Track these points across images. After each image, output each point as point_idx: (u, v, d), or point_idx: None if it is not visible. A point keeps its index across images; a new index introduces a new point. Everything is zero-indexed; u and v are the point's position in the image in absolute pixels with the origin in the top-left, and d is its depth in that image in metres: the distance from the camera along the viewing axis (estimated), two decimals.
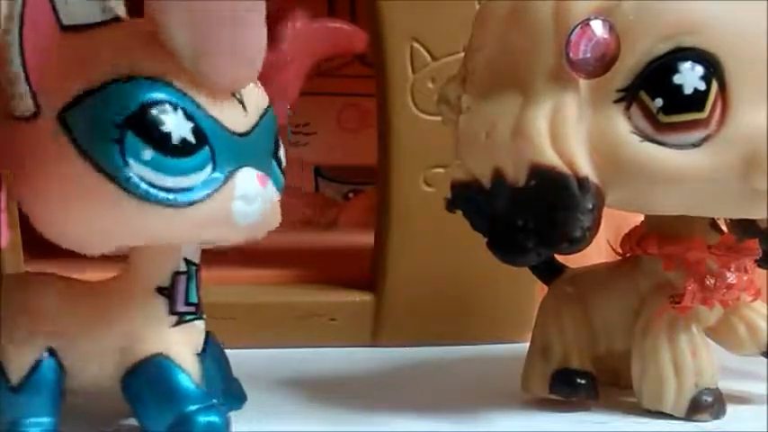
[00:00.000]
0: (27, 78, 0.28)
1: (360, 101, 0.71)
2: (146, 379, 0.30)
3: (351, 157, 0.71)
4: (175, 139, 0.27)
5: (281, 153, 0.32)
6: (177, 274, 0.31)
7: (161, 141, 0.27)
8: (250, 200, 0.29)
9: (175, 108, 0.28)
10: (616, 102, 0.30)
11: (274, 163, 0.32)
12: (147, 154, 0.27)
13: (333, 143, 0.72)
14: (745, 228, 0.35)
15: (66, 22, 0.28)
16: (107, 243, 0.29)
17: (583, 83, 0.30)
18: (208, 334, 0.33)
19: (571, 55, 0.29)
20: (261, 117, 0.31)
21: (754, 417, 0.34)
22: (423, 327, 0.46)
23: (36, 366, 0.30)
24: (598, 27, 0.29)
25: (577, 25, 0.29)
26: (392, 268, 0.46)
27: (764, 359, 0.36)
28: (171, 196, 0.28)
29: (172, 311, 0.31)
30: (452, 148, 0.32)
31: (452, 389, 0.39)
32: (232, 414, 0.31)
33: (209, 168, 0.28)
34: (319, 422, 0.34)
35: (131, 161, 0.27)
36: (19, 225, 0.42)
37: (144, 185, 0.27)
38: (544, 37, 0.30)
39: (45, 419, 0.30)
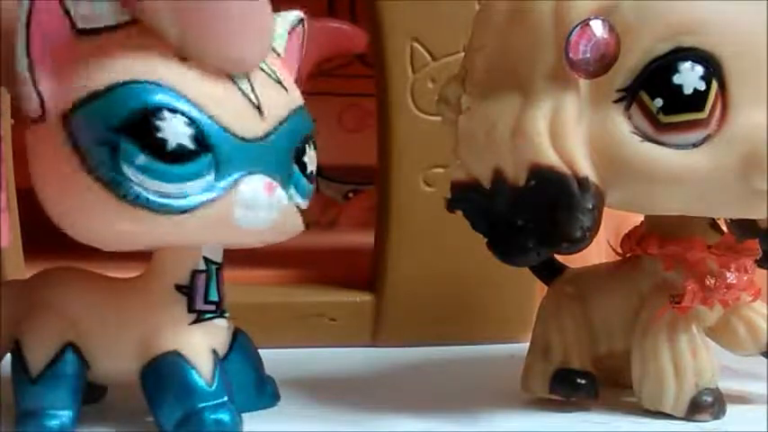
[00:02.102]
0: (33, 81, 0.28)
1: (360, 101, 0.71)
2: (159, 375, 0.30)
3: (351, 157, 0.71)
4: (171, 145, 0.27)
5: (308, 158, 0.32)
6: (196, 272, 0.31)
7: (156, 147, 0.27)
8: (253, 207, 0.29)
9: (174, 113, 0.27)
10: (616, 102, 0.30)
11: (297, 168, 0.31)
12: (141, 159, 0.27)
13: (333, 143, 0.72)
14: (745, 228, 0.35)
15: (81, 25, 0.28)
16: (111, 244, 0.29)
17: (583, 83, 0.30)
18: (237, 332, 0.33)
19: (571, 55, 0.29)
20: (281, 122, 0.30)
21: (754, 417, 0.34)
22: (423, 327, 0.47)
23: (56, 359, 0.31)
24: (598, 27, 0.29)
25: (577, 25, 0.29)
26: (392, 268, 0.46)
27: (764, 359, 0.36)
28: (165, 202, 0.28)
29: (191, 309, 0.31)
30: (452, 148, 0.32)
31: (452, 389, 0.39)
32: None
33: (210, 175, 0.28)
34: (319, 422, 0.34)
35: (125, 166, 0.27)
36: (19, 225, 0.42)
37: (134, 190, 0.27)
38: (544, 37, 0.30)
39: (64, 412, 0.31)
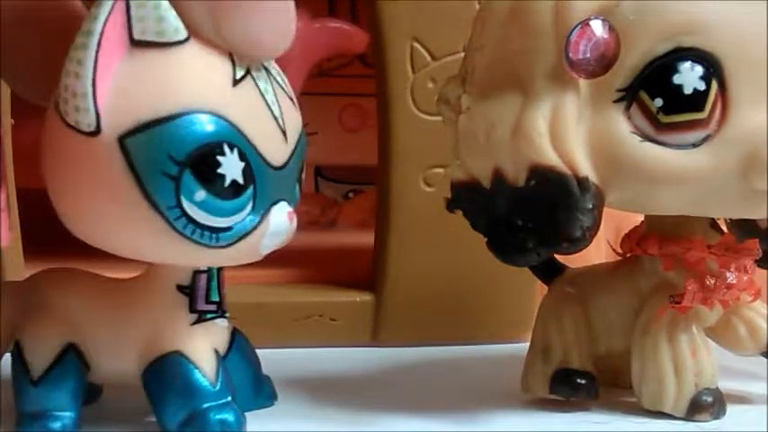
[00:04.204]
0: (94, 97, 0.26)
1: (360, 101, 0.71)
2: (162, 375, 0.30)
3: (351, 157, 0.71)
4: (228, 181, 0.27)
5: (303, 175, 0.32)
6: (198, 272, 0.31)
7: (215, 183, 0.27)
8: (277, 235, 0.30)
9: (232, 148, 0.27)
10: (616, 102, 0.30)
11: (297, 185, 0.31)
12: (200, 195, 0.27)
13: (333, 143, 0.72)
14: (745, 228, 0.35)
15: (137, 36, 0.27)
16: (137, 256, 0.30)
17: (583, 83, 0.30)
18: (235, 332, 0.33)
19: (571, 55, 0.29)
20: (297, 144, 0.30)
21: (754, 417, 0.34)
22: (423, 327, 0.46)
23: (57, 361, 0.31)
24: (598, 27, 0.29)
25: (577, 25, 0.29)
26: (392, 268, 0.46)
27: (764, 359, 0.36)
28: (213, 238, 0.28)
29: (192, 309, 0.31)
30: (452, 148, 0.32)
31: (452, 389, 0.39)
32: None
33: (248, 208, 0.28)
34: (319, 422, 0.34)
35: (183, 200, 0.27)
36: (19, 225, 0.42)
37: (190, 226, 0.27)
38: (544, 37, 0.30)
39: (66, 414, 0.31)
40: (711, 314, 0.35)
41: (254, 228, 0.29)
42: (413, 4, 0.44)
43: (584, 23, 0.29)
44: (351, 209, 0.73)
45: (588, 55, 0.29)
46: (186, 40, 0.27)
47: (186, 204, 0.27)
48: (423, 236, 0.46)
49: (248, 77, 0.28)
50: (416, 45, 0.45)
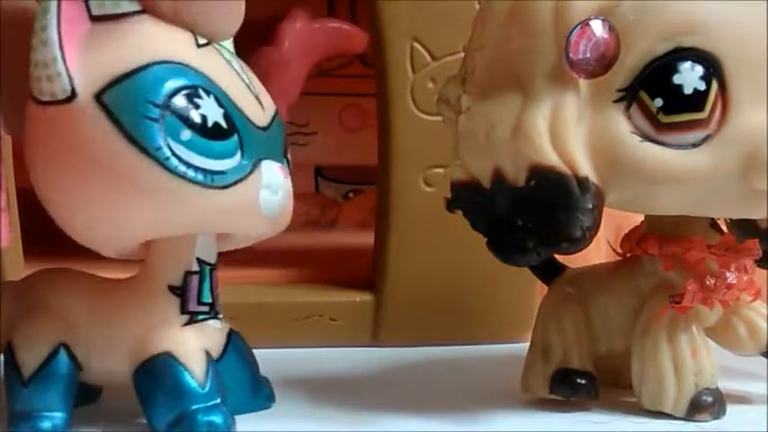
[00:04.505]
0: (64, 60, 0.28)
1: (360, 101, 0.71)
2: (152, 376, 0.30)
3: (351, 157, 0.71)
4: (210, 122, 0.28)
5: (289, 156, 0.33)
6: (189, 273, 0.31)
7: (198, 123, 0.28)
8: (275, 189, 0.30)
9: (208, 93, 0.29)
10: (616, 102, 0.30)
11: (286, 162, 0.32)
12: (186, 134, 0.28)
13: (333, 143, 0.72)
14: (745, 228, 0.35)
15: (95, 12, 0.28)
16: (136, 233, 0.30)
17: (583, 83, 0.30)
18: (231, 333, 0.33)
19: (571, 55, 0.29)
20: (274, 116, 0.32)
21: (754, 417, 0.34)
22: (423, 327, 0.47)
23: (48, 360, 0.31)
24: (598, 27, 0.29)
25: (577, 25, 0.29)
26: (392, 268, 0.46)
27: (764, 359, 0.36)
28: (207, 177, 0.28)
29: (183, 310, 0.31)
30: (452, 148, 0.32)
31: (452, 389, 0.39)
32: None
33: (238, 155, 0.29)
34: (319, 422, 0.34)
35: (170, 141, 0.28)
36: (19, 225, 0.42)
37: (182, 166, 0.28)
38: (544, 37, 0.30)
39: (56, 414, 0.31)
40: (711, 314, 0.35)
41: (248, 174, 0.30)
42: (413, 4, 0.44)
43: (585, 23, 0.29)
44: (351, 209, 0.72)
45: (588, 55, 0.29)
46: (142, 11, 0.29)
47: (173, 144, 0.28)
48: (423, 236, 0.46)
49: (211, 46, 0.30)
50: (416, 45, 0.45)
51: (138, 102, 0.28)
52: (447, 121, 0.34)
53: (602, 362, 0.36)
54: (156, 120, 0.27)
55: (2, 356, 0.32)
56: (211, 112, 0.29)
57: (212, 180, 0.29)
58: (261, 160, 0.30)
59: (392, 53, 0.45)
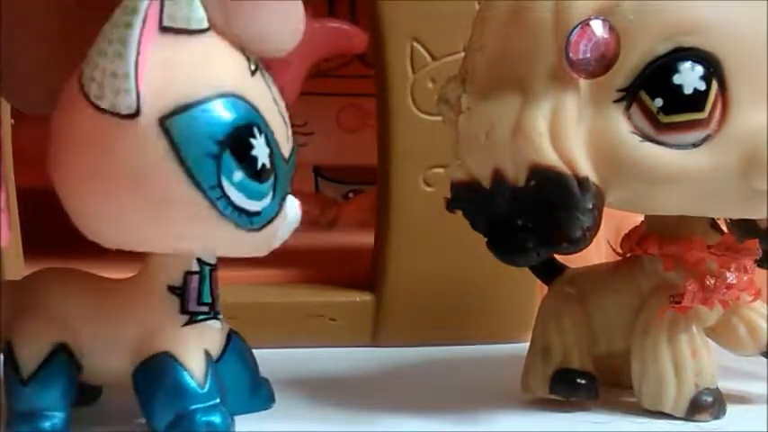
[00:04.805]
0: (136, 78, 0.27)
1: (360, 101, 0.71)
2: (151, 376, 0.30)
3: (351, 157, 0.71)
4: (260, 164, 0.28)
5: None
6: (189, 273, 0.31)
7: (250, 164, 0.28)
8: (290, 227, 0.31)
9: (260, 132, 0.28)
10: (616, 102, 0.30)
11: None
12: (238, 176, 0.28)
13: (332, 143, 0.72)
14: (745, 228, 0.35)
15: (166, 23, 0.27)
16: (158, 247, 0.30)
17: (583, 83, 0.30)
18: (231, 334, 0.33)
19: (571, 55, 0.29)
20: (293, 146, 0.31)
21: (754, 417, 0.34)
22: (423, 327, 0.46)
23: (47, 360, 0.31)
24: (598, 27, 0.29)
25: (577, 25, 0.29)
26: (392, 268, 0.46)
27: (764, 359, 0.36)
28: (247, 220, 0.29)
29: (183, 311, 0.31)
30: (452, 148, 0.32)
31: (452, 389, 0.39)
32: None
33: (270, 194, 0.29)
34: (319, 422, 0.34)
35: (224, 180, 0.28)
36: (19, 225, 0.42)
37: (229, 208, 0.28)
38: (544, 37, 0.30)
39: (56, 413, 0.31)
40: (711, 314, 0.35)
41: (276, 215, 0.30)
42: (413, 4, 0.44)
43: (585, 23, 0.29)
44: (351, 209, 0.72)
45: (588, 55, 0.29)
46: (208, 29, 0.28)
47: (226, 184, 0.28)
48: (423, 236, 0.46)
49: (259, 71, 0.30)
50: (416, 45, 0.45)
51: (200, 136, 0.27)
52: (447, 121, 0.34)
53: (602, 362, 0.36)
54: (215, 157, 0.27)
55: (1, 356, 0.32)
56: (261, 153, 0.28)
57: (251, 223, 0.29)
58: (286, 196, 0.30)
59: (392, 53, 0.45)
